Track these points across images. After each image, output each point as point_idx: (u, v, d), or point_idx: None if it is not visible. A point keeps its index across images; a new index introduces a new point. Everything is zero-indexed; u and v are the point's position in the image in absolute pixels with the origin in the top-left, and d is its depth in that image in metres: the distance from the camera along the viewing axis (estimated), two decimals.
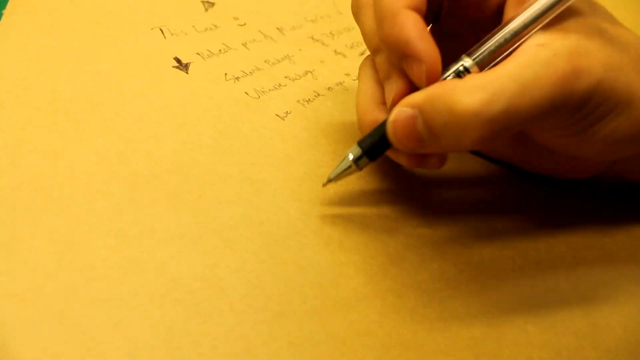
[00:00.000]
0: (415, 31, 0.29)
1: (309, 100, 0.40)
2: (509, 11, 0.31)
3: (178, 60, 0.40)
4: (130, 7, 0.43)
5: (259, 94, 0.39)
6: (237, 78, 0.40)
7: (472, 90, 0.28)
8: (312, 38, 0.45)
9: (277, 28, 0.45)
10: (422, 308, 0.31)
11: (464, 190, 0.38)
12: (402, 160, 0.33)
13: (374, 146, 0.32)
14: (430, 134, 0.29)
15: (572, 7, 0.30)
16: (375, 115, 0.32)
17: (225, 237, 0.31)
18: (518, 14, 0.30)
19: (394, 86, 0.31)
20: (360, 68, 0.35)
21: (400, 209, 0.35)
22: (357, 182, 0.36)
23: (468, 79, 0.29)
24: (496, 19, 0.32)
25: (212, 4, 0.46)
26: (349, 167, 0.32)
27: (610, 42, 0.30)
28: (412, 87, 0.31)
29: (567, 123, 0.30)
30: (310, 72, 0.42)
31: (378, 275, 0.32)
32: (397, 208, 0.35)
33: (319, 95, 0.41)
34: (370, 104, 0.33)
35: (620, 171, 0.36)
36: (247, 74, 0.41)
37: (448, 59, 0.31)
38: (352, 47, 0.46)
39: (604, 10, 0.32)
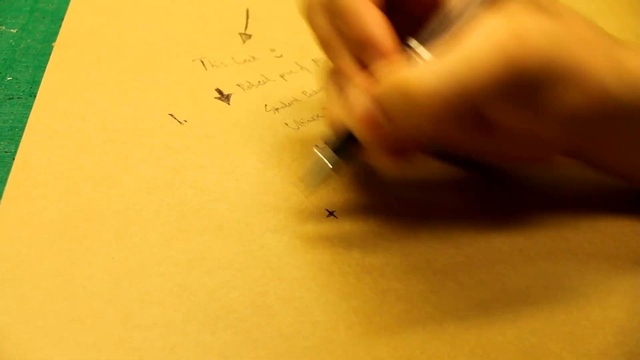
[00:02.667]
0: (375, 24, 0.31)
1: None
2: None
3: (220, 92, 0.42)
4: (172, 39, 0.45)
5: (299, 125, 0.41)
6: (277, 109, 0.42)
7: (424, 74, 0.29)
8: None
9: (312, 60, 0.47)
10: (461, 334, 0.32)
11: (496, 218, 0.39)
12: (382, 161, 0.33)
13: (342, 141, 0.32)
14: (390, 120, 0.30)
15: None
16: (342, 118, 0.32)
17: (273, 265, 0.33)
18: None
19: (355, 88, 0.32)
20: (322, 79, 0.35)
21: (437, 238, 0.36)
22: (396, 212, 0.37)
23: (419, 64, 0.30)
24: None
25: (250, 36, 0.48)
26: (322, 167, 0.33)
27: (553, 19, 0.30)
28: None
29: (521, 100, 0.31)
30: None
31: (419, 302, 0.33)
32: (434, 237, 0.36)
33: None
34: (339, 110, 0.33)
35: (584, 154, 0.36)
36: (286, 105, 0.42)
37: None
38: None
39: None
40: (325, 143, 0.33)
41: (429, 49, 0.30)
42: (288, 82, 0.44)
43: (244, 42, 0.47)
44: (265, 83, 0.44)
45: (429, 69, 0.29)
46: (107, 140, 0.37)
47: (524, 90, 0.30)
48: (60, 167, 0.35)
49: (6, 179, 0.34)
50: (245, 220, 0.34)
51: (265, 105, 0.42)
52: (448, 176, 0.40)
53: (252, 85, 0.43)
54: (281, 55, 0.47)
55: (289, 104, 0.42)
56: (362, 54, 0.32)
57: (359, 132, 0.31)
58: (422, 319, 0.32)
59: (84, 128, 0.37)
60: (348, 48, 0.33)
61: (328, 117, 0.34)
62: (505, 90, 0.29)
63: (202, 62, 0.44)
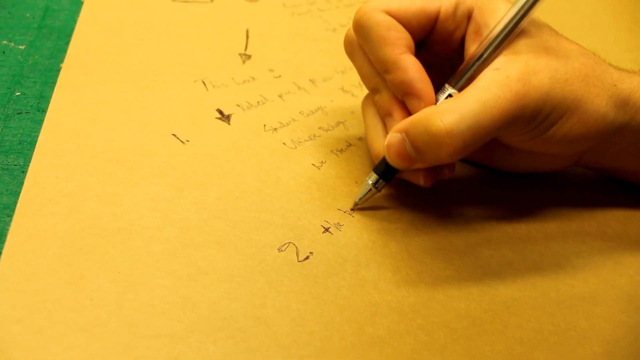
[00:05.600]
0: (415, 73, 0.36)
1: (341, 150, 0.43)
2: (468, 43, 0.37)
3: (220, 112, 0.44)
4: (174, 60, 0.47)
5: (296, 145, 0.43)
6: (275, 129, 0.43)
7: (444, 114, 0.33)
8: (343, 89, 0.49)
9: (310, 80, 0.49)
10: (450, 345, 0.33)
11: (483, 233, 0.40)
12: (420, 180, 0.38)
13: (387, 169, 0.37)
14: (417, 152, 0.35)
15: (521, 30, 0.35)
16: (383, 145, 0.37)
17: (271, 279, 0.34)
18: (482, 45, 0.35)
19: (393, 122, 0.37)
20: (364, 107, 0.41)
21: (428, 253, 0.38)
22: (387, 228, 0.39)
23: (441, 104, 0.35)
24: (461, 50, 0.38)
25: (249, 57, 0.50)
26: (369, 190, 0.38)
27: (555, 57, 0.35)
28: None
29: (527, 129, 0.36)
30: (342, 122, 0.45)
31: (410, 314, 0.34)
32: (425, 251, 0.38)
33: (350, 145, 0.44)
34: (379, 137, 0.39)
35: (588, 163, 0.42)
36: (284, 125, 0.44)
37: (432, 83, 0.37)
38: None
39: (549, 28, 0.37)
40: (373, 170, 0.38)
41: (454, 91, 0.36)
42: (286, 102, 0.46)
43: (243, 62, 0.49)
44: (264, 103, 0.45)
45: (448, 109, 0.34)
46: (113, 159, 0.38)
47: (527, 121, 0.35)
48: (69, 185, 0.36)
49: (16, 191, 0.36)
50: (245, 236, 0.36)
51: (264, 125, 0.44)
52: (437, 193, 0.41)
53: (252, 105, 0.45)
54: (280, 76, 0.48)
55: (287, 124, 0.44)
56: (402, 96, 0.37)
57: (391, 160, 0.36)
58: (412, 330, 0.34)
59: (90, 147, 0.39)
60: (387, 86, 0.38)
61: (371, 146, 0.39)
62: (511, 122, 0.34)
63: (203, 82, 0.46)
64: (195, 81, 0.46)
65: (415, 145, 0.35)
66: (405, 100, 0.37)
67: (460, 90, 0.36)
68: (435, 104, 0.36)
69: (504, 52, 0.35)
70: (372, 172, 0.38)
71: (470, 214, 0.41)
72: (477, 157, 0.43)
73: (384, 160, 0.37)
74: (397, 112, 0.37)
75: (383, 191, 0.39)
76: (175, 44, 0.49)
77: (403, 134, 0.35)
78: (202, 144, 0.41)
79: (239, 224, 0.36)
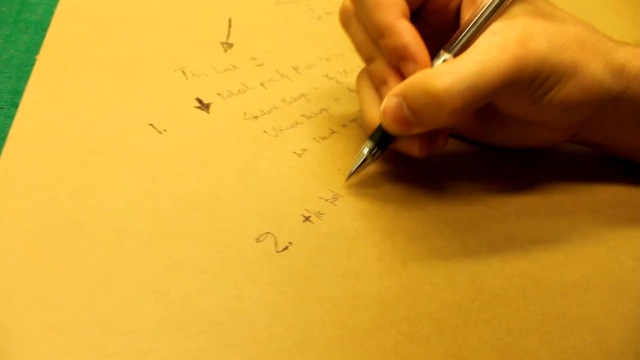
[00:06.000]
0: (410, 37, 0.36)
1: (324, 137, 0.42)
2: (464, 12, 0.38)
3: (200, 101, 0.43)
4: (153, 50, 0.46)
5: (277, 132, 0.41)
6: (256, 117, 0.42)
7: (442, 74, 0.33)
8: (327, 76, 0.47)
9: (293, 67, 0.48)
10: (435, 336, 0.32)
11: (471, 220, 0.39)
12: (415, 150, 0.37)
13: (382, 137, 0.37)
14: (414, 115, 0.35)
15: None
16: (378, 114, 0.37)
17: (248, 270, 0.33)
18: (477, 11, 0.36)
19: (388, 90, 0.37)
20: (358, 81, 0.40)
21: (413, 241, 0.37)
22: (371, 216, 0.37)
23: (438, 67, 0.35)
24: (457, 22, 0.38)
25: (231, 45, 0.48)
26: (365, 159, 0.38)
27: (552, 23, 0.36)
28: None
29: (525, 94, 0.36)
30: (325, 109, 0.44)
31: (393, 304, 0.33)
32: (410, 240, 0.37)
33: (334, 132, 0.42)
34: (373, 107, 0.38)
35: (585, 137, 0.42)
36: (265, 113, 0.43)
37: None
38: None
39: None
40: (369, 138, 0.38)
41: (449, 56, 0.36)
42: (268, 90, 0.45)
43: (225, 51, 0.48)
44: (245, 91, 0.44)
45: (446, 70, 0.34)
46: (87, 151, 0.37)
47: (525, 84, 0.35)
48: (40, 177, 0.35)
49: None
50: (222, 227, 0.35)
51: (245, 113, 0.42)
52: (420, 179, 0.40)
53: (232, 93, 0.44)
54: (262, 64, 0.47)
55: (268, 112, 0.43)
56: (397, 61, 0.37)
57: (387, 125, 0.36)
58: (395, 321, 0.32)
59: (64, 139, 0.38)
60: (382, 53, 0.38)
61: (366, 118, 0.39)
62: (510, 85, 0.34)
63: (183, 72, 0.45)
64: (174, 70, 0.45)
65: (413, 107, 0.34)
66: (400, 65, 0.37)
67: (455, 56, 0.36)
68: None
69: (501, 18, 0.35)
70: (368, 140, 0.38)
71: (458, 200, 0.40)
72: (473, 131, 0.43)
73: (379, 128, 0.37)
74: (392, 79, 0.37)
75: (368, 176, 0.38)
76: (155, 33, 0.48)
77: (400, 98, 0.35)
78: (180, 133, 0.40)
79: (216, 214, 0.35)
